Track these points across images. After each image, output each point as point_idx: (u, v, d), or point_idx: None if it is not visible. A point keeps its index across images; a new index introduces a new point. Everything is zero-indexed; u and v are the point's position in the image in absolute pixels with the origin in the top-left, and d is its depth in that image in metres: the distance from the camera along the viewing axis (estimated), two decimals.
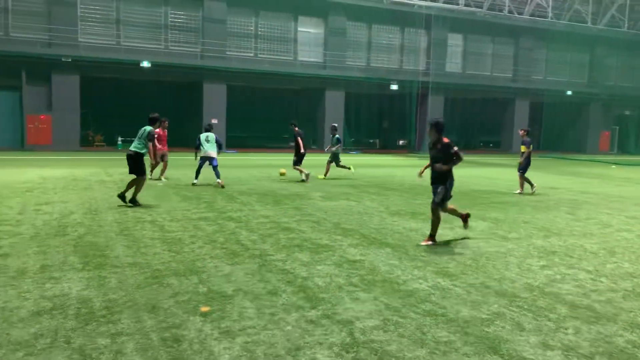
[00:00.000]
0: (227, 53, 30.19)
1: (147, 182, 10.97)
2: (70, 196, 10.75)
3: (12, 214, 8.63)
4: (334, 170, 16.96)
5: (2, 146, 25.93)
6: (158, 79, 29.10)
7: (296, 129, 15.27)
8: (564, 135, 41.44)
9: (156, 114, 10.52)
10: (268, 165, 20.45)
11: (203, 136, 13.43)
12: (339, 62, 32.91)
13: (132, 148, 9.93)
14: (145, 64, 27.52)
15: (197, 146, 13.42)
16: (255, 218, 8.82)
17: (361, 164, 22.70)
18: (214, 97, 29.80)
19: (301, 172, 15.00)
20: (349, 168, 16.76)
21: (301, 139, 15.02)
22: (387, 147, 38.19)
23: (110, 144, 29.67)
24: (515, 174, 13.63)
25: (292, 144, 15.61)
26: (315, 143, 34.93)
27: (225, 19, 30.01)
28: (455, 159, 7.08)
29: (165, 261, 5.97)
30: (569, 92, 39.80)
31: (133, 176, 9.96)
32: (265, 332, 4.01)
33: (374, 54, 34.98)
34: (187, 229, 7.78)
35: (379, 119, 40.41)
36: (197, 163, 13.33)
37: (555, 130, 40.90)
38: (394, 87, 34.23)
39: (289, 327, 4.12)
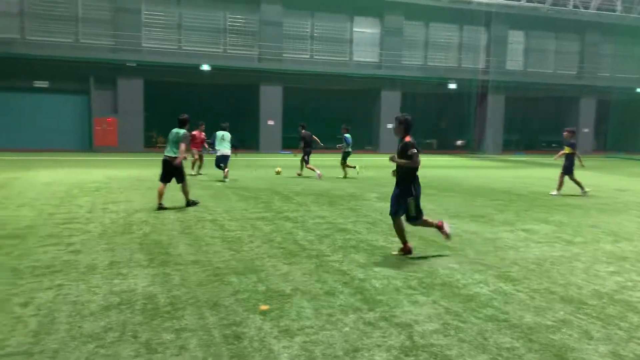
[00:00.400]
0: (283, 55, 30.57)
1: (198, 180, 11.26)
2: (135, 196, 11.19)
3: (82, 212, 9.09)
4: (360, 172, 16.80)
5: (72, 148, 27.33)
6: (216, 81, 29.85)
7: (303, 131, 16.73)
8: (633, 135, 39.33)
9: (186, 116, 9.98)
10: (322, 166, 20.52)
11: (219, 134, 14.64)
12: (395, 62, 32.64)
13: (167, 153, 9.65)
14: (205, 67, 28.29)
15: (211, 143, 14.84)
16: (311, 218, 8.88)
17: None
18: (270, 99, 30.25)
19: (313, 169, 16.22)
20: (354, 167, 17.00)
21: (305, 140, 16.50)
22: (445, 147, 37.51)
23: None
24: (578, 176, 13.07)
25: (302, 144, 16.90)
26: (370, 144, 34.80)
27: (281, 21, 30.40)
28: (410, 162, 6.34)
29: (226, 259, 6.11)
30: (639, 90, 37.74)
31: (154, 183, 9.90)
32: (324, 333, 4.03)
33: (432, 52, 34.45)
34: (245, 228, 7.92)
35: (436, 119, 39.75)
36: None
37: (624, 129, 38.89)
38: (452, 86, 33.60)
39: (346, 329, 4.12)
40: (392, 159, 6.49)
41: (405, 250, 6.50)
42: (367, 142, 35.53)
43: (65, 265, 5.72)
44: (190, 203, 9.94)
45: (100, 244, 6.75)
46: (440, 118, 39.90)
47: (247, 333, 4.00)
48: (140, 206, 9.80)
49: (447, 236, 6.67)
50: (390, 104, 32.71)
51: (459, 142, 37.86)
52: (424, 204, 9.97)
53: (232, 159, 15.53)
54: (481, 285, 5.33)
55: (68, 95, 27.56)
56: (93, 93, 27.52)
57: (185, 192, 9.92)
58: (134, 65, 27.36)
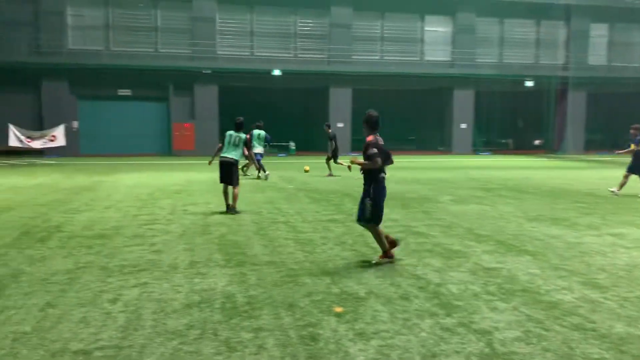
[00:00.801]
0: (353, 57, 30.59)
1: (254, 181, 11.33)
2: (212, 198, 11.58)
3: (163, 213, 9.53)
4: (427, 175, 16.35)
5: (153, 152, 28.73)
6: (287, 85, 30.35)
7: (329, 130, 17.23)
8: None
9: (242, 119, 10.04)
10: (393, 168, 20.30)
11: (256, 133, 15.46)
12: (468, 60, 31.78)
13: (227, 155, 9.65)
14: (276, 72, 28.85)
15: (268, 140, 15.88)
16: (383, 221, 8.76)
17: (493, 166, 21.71)
18: (340, 102, 30.37)
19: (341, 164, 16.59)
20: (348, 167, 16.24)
21: (334, 140, 16.85)
22: (522, 147, 36.05)
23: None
24: None
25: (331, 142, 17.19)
26: (443, 144, 34.09)
27: (351, 23, 30.45)
28: (369, 162, 5.91)
29: (299, 261, 6.19)
30: None
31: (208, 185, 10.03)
32: (400, 337, 3.98)
33: (507, 49, 33.25)
34: (317, 230, 7.99)
35: (513, 118, 38.31)
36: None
37: None
38: (529, 83, 32.25)
39: (423, 334, 4.05)
40: (352, 162, 6.24)
41: (387, 256, 6.13)
42: (439, 143, 34.83)
43: (150, 264, 6.01)
44: (231, 208, 9.62)
45: (181, 244, 7.04)
46: (517, 117, 38.42)
47: (323, 334, 4.02)
48: (217, 208, 10.14)
49: (378, 261, 6.10)
50: (463, 103, 31.91)
51: (536, 142, 36.26)
52: (502, 206, 9.60)
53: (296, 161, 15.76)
54: (565, 292, 5.07)
55: (149, 102, 29.01)
56: (172, 100, 28.80)
57: (235, 196, 9.72)
58: (209, 72, 28.36)
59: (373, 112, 6.28)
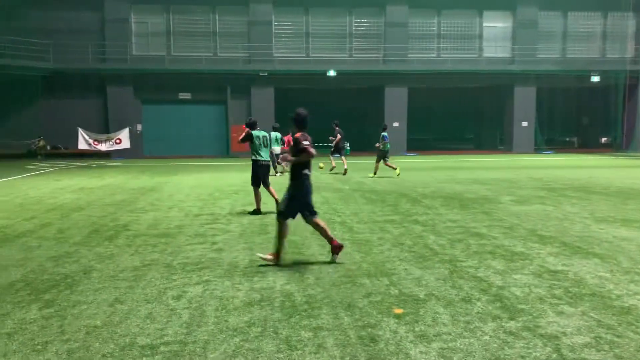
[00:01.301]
0: (409, 56, 30.23)
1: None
2: (269, 198, 11.72)
3: (223, 213, 9.76)
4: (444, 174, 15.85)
5: (212, 154, 29.47)
6: (342, 86, 30.36)
7: (337, 127, 18.54)
8: None
9: (254, 119, 10.05)
10: (451, 168, 19.95)
11: (273, 135, 15.96)
12: (529, 56, 30.70)
13: (266, 158, 9.71)
14: (332, 73, 28.93)
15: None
16: (442, 222, 8.65)
17: (556, 165, 20.88)
18: (395, 101, 30.07)
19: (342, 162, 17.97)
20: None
21: (341, 135, 18.53)
22: (587, 145, 34.49)
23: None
24: None
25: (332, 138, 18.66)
26: (502, 143, 33.12)
27: (406, 21, 30.11)
28: (305, 154, 5.93)
29: (356, 261, 6.18)
30: None
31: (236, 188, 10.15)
32: (462, 340, 3.90)
33: (570, 44, 31.87)
34: (374, 231, 7.95)
35: (577, 115, 36.71)
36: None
37: None
38: (595, 78, 30.77)
39: (486, 337, 3.94)
40: (282, 159, 6.32)
41: (335, 249, 6.11)
42: (499, 142, 33.86)
43: (211, 263, 6.17)
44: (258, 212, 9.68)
45: (240, 243, 7.19)
46: (582, 114, 36.79)
47: (383, 336, 4.00)
48: (274, 208, 10.26)
49: (333, 259, 6.12)
50: (524, 100, 30.85)
51: (604, 140, 34.58)
52: (567, 206, 9.29)
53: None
54: (638, 297, 4.81)
55: (208, 105, 29.78)
56: (230, 102, 29.45)
57: (272, 194, 9.79)
58: (266, 74, 28.80)
59: (302, 111, 6.29)
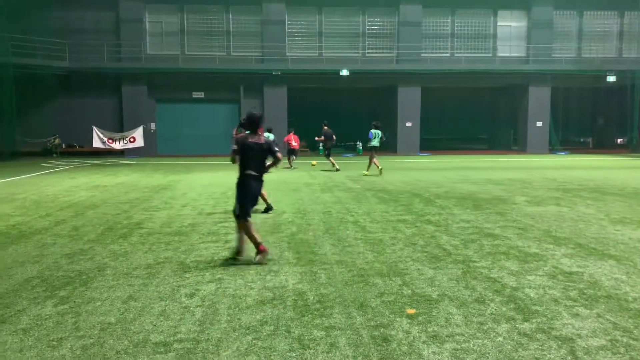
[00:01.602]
0: (422, 55, 30.10)
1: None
2: (282, 197, 11.77)
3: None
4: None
5: (225, 153, 29.54)
6: (355, 85, 30.32)
7: (325, 127, 19.70)
8: None
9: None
10: (464, 168, 19.82)
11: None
12: (544, 55, 30.42)
13: None
14: (344, 72, 28.89)
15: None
16: (455, 222, 8.61)
17: (571, 166, 20.66)
18: (408, 100, 29.95)
19: (333, 164, 18.88)
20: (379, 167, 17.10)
21: (326, 137, 19.55)
22: (603, 146, 34.08)
23: (312, 149, 31.80)
24: None
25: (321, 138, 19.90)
26: (516, 144, 32.87)
27: (420, 21, 29.98)
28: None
29: (369, 261, 6.17)
30: None
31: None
32: (475, 341, 3.87)
33: (586, 43, 31.51)
34: (387, 231, 7.93)
35: (592, 115, 36.29)
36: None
37: None
38: (611, 78, 30.39)
39: (500, 338, 3.92)
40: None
41: (261, 250, 6.09)
42: (512, 142, 33.58)
43: (224, 261, 6.19)
44: (269, 207, 9.79)
45: None
46: (597, 114, 36.36)
47: (395, 336, 3.98)
48: (286, 207, 10.29)
49: (261, 259, 6.07)
50: (538, 100, 30.56)
51: (619, 141, 34.15)
52: (582, 208, 9.27)
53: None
54: None
55: (221, 104, 29.90)
56: (243, 102, 29.53)
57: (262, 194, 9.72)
58: (279, 74, 28.85)
59: (249, 113, 6.49)
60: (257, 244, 6.10)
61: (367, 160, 17.84)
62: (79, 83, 27.68)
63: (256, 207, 7.34)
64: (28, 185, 14.35)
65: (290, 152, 20.32)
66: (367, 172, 17.15)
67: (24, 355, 3.72)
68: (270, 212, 9.67)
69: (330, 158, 19.31)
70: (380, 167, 17.08)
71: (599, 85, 31.70)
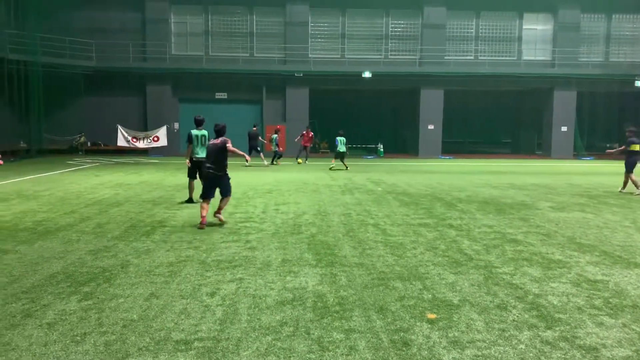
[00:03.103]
0: (446, 58, 29.88)
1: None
2: (302, 198, 11.80)
3: (257, 212, 9.85)
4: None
5: (247, 153, 29.74)
6: (377, 87, 30.21)
7: (309, 129, 23.79)
8: None
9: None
10: (487, 172, 19.61)
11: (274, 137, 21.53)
12: (570, 59, 29.93)
13: (201, 155, 10.49)
14: (367, 74, 28.84)
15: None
16: (477, 227, 8.52)
17: (597, 172, 20.29)
18: (431, 103, 29.75)
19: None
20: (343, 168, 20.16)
21: (305, 136, 23.32)
22: None
23: (333, 150, 31.76)
24: None
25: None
26: (540, 148, 32.39)
27: (444, 23, 29.76)
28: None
29: (389, 264, 6.14)
30: None
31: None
32: (496, 348, 3.83)
33: (614, 47, 30.91)
34: (407, 234, 7.88)
35: (619, 120, 35.54)
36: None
37: None
38: None
39: (521, 346, 3.86)
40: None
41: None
42: (537, 147, 33.09)
43: (245, 261, 6.23)
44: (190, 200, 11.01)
45: (273, 242, 7.24)
46: (624, 119, 35.60)
47: (415, 340, 3.96)
48: (306, 208, 10.31)
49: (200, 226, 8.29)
50: (564, 104, 30.07)
51: None
52: (608, 214, 9.28)
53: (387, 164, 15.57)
54: None
55: (243, 105, 30.09)
56: (265, 103, 29.69)
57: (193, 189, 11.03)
58: (301, 75, 28.92)
59: (218, 123, 8.89)
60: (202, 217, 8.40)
61: (387, 163, 17.73)
62: (105, 82, 28.14)
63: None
64: (54, 182, 14.64)
65: (301, 149, 23.59)
66: (331, 166, 20.51)
67: (49, 349, 3.80)
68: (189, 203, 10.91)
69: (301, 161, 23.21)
70: (346, 167, 20.33)
71: (627, 90, 31.05)
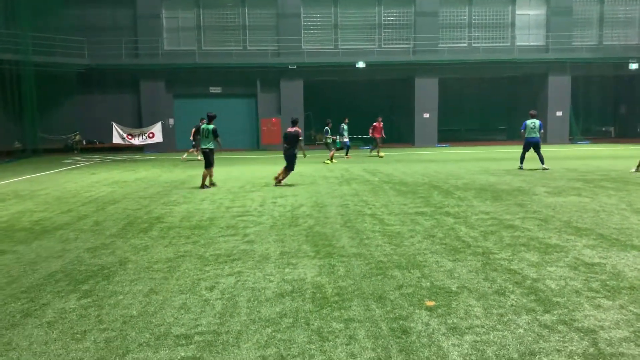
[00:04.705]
0: (439, 46, 29.80)
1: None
2: (299, 190, 11.80)
3: (254, 205, 9.85)
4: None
5: (242, 147, 29.73)
6: (371, 77, 30.15)
7: (380, 119, 22.59)
8: None
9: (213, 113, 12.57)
10: (483, 159, 19.64)
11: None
12: (564, 44, 29.89)
13: (207, 146, 12.33)
14: (360, 64, 28.75)
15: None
16: (475, 214, 8.54)
17: (592, 156, 20.33)
18: (426, 92, 29.71)
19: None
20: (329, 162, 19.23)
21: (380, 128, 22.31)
22: (625, 135, 33.43)
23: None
24: None
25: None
26: None
27: (437, 11, 29.67)
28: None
29: (387, 253, 6.16)
30: None
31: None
32: (495, 333, 3.85)
33: (607, 30, 30.86)
34: (405, 223, 7.90)
35: (614, 103, 35.60)
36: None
37: None
38: (634, 66, 29.74)
39: (520, 330, 3.89)
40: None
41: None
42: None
43: (243, 254, 6.24)
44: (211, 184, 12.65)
45: (272, 235, 7.25)
46: (619, 103, 35.66)
47: (414, 328, 3.98)
48: (304, 200, 10.32)
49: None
50: (558, 89, 30.06)
51: None
52: (603, 198, 9.27)
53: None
54: None
55: (238, 98, 30.01)
56: (259, 96, 29.61)
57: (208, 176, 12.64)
58: (295, 67, 28.83)
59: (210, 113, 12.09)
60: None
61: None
62: (98, 80, 28.02)
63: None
64: (50, 182, 14.60)
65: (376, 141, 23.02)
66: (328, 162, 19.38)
67: (49, 348, 3.80)
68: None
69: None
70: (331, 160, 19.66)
71: (621, 73, 31.06)
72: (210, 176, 12.60)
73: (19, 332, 4.10)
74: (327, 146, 20.76)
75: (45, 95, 26.73)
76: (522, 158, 15.69)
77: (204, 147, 12.36)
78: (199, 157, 21.28)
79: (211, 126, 12.30)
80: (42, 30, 26.05)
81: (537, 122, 15.46)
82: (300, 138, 12.56)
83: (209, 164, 12.33)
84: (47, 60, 25.83)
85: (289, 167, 12.57)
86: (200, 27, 29.47)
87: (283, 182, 12.67)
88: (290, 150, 12.50)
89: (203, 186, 12.41)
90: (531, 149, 15.36)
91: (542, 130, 15.71)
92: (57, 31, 26.71)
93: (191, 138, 21.61)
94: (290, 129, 12.60)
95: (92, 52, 27.66)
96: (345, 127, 21.42)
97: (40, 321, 4.31)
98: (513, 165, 16.68)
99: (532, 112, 16.03)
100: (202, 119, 21.57)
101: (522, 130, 15.69)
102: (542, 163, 15.34)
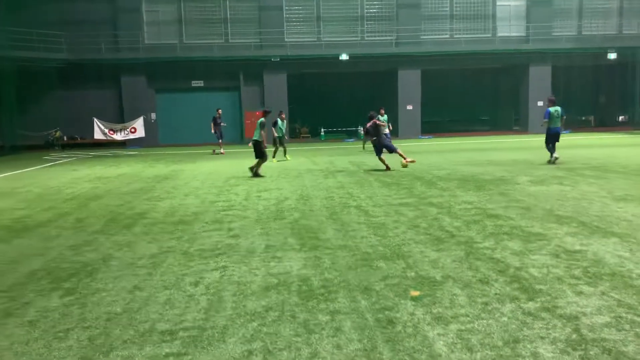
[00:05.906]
0: (422, 37, 29.87)
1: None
2: (284, 184, 11.78)
3: (239, 199, 9.80)
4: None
5: (226, 141, 29.44)
6: (355, 70, 30.12)
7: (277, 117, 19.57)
8: None
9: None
10: (466, 150, 19.78)
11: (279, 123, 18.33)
12: (544, 34, 30.15)
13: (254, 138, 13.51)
14: (344, 56, 28.70)
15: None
16: (458, 204, 8.60)
17: (573, 145, 20.59)
18: (409, 83, 29.80)
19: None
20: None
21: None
22: (605, 124, 33.93)
23: (314, 135, 31.73)
24: None
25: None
26: (518, 124, 32.73)
27: (419, 3, 29.70)
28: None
29: (372, 245, 6.18)
30: None
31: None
32: (480, 322, 3.88)
33: (587, 20, 31.19)
34: (389, 214, 7.93)
35: (594, 93, 36.07)
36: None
37: None
38: (612, 56, 30.14)
39: (504, 318, 3.93)
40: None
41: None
42: (514, 123, 33.44)
43: (228, 249, 6.21)
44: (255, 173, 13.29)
45: (257, 229, 7.22)
46: (598, 92, 36.14)
47: (400, 318, 4.00)
48: (289, 194, 10.30)
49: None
50: (539, 80, 30.35)
51: (621, 118, 33.98)
52: (584, 186, 9.30)
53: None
54: None
55: (221, 92, 29.79)
56: (243, 89, 29.42)
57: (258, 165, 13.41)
58: (278, 60, 28.68)
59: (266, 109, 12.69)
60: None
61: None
62: (78, 75, 27.59)
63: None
64: (31, 179, 14.38)
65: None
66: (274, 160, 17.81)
67: (31, 347, 3.75)
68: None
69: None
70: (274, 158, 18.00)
71: (600, 63, 31.46)
72: (258, 166, 13.31)
73: (0, 332, 4.03)
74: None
75: (25, 91, 26.27)
76: (552, 149, 14.19)
77: (254, 139, 13.48)
78: (222, 151, 22.18)
79: (260, 120, 13.58)
80: (20, 25, 25.54)
81: (559, 109, 14.17)
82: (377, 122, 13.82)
83: (259, 154, 13.27)
84: (26, 55, 25.36)
85: (258, 156, 13.35)
86: (181, 21, 29.15)
87: (260, 172, 13.33)
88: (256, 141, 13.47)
89: (256, 174, 13.21)
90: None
91: (564, 117, 14.42)
92: (35, 26, 26.21)
93: (212, 131, 21.92)
94: (370, 123, 13.90)
95: (71, 46, 27.23)
96: (384, 118, 19.68)
97: (21, 320, 4.25)
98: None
99: (551, 97, 14.65)
100: (218, 110, 22.31)
101: (546, 120, 14.25)
102: (554, 152, 14.18)
